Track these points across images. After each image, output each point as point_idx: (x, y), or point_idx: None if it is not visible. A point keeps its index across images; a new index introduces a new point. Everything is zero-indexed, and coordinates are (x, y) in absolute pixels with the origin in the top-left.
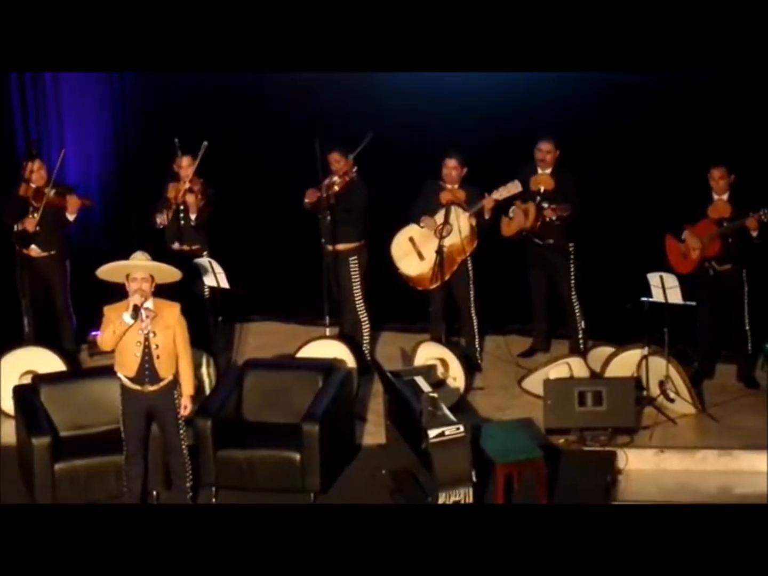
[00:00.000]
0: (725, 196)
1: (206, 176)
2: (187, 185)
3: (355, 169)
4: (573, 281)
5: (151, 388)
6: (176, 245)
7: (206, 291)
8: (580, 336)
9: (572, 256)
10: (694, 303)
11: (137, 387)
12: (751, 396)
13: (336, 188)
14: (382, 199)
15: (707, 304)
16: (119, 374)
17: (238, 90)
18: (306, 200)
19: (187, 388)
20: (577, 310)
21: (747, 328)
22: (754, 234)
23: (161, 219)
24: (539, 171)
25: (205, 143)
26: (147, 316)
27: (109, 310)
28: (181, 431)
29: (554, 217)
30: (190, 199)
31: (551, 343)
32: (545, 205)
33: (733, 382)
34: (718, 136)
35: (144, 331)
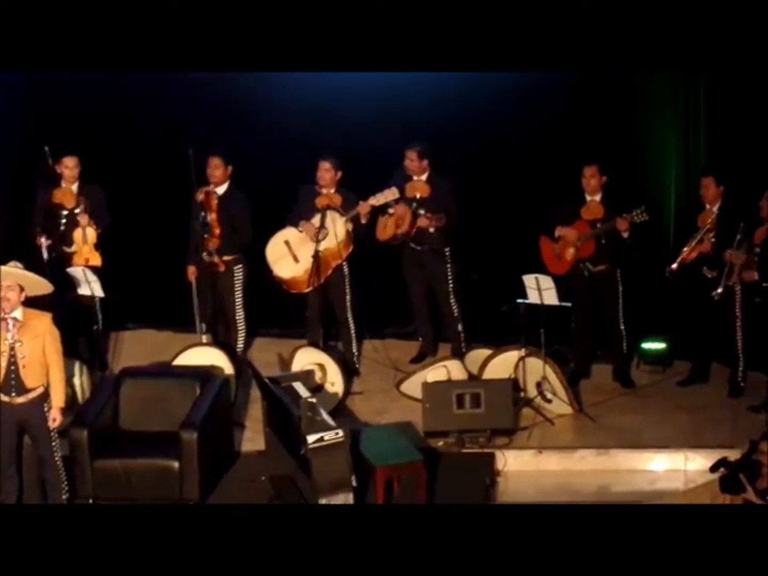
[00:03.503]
0: (598, 197)
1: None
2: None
3: (229, 180)
4: (451, 285)
5: (20, 400)
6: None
7: (97, 300)
8: (460, 339)
9: (449, 260)
10: (569, 304)
11: (5, 399)
12: (626, 395)
13: (215, 201)
14: (259, 204)
15: (582, 305)
16: None
17: (108, 91)
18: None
19: (57, 399)
20: (455, 314)
21: (622, 328)
22: (625, 235)
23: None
24: (415, 178)
25: (47, 148)
26: (14, 326)
27: None
28: (54, 443)
29: (431, 228)
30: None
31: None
32: (421, 212)
33: (609, 381)
34: (592, 138)
35: (10, 341)
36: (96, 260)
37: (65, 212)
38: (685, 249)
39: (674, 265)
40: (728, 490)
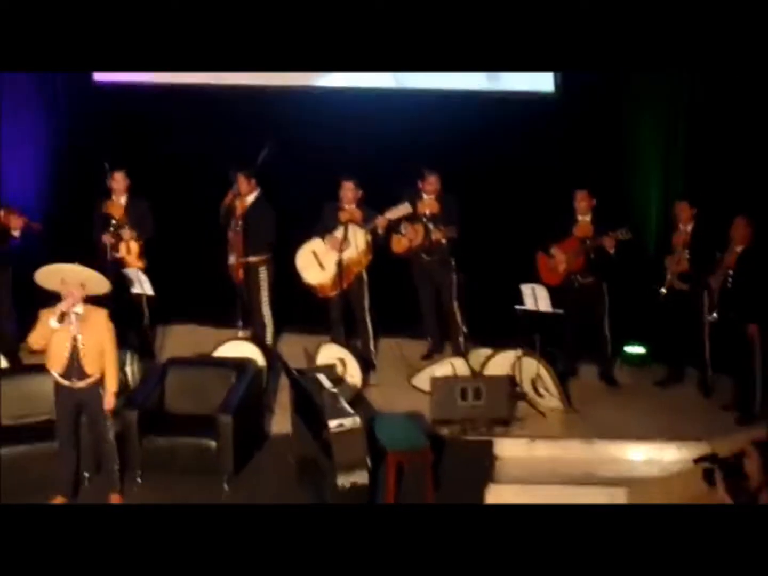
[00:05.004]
0: (588, 218)
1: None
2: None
3: (256, 192)
4: (455, 292)
5: (80, 385)
6: (121, 253)
7: (144, 298)
8: (461, 339)
9: (455, 270)
10: (561, 311)
11: (67, 382)
12: (610, 393)
13: (242, 209)
14: (288, 217)
15: (572, 312)
16: (51, 371)
17: (144, 103)
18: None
19: (110, 385)
20: (458, 317)
21: (607, 333)
22: (611, 251)
23: (107, 239)
24: (425, 197)
25: (107, 164)
26: (76, 319)
27: (43, 313)
28: (108, 422)
29: (443, 240)
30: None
31: (445, 345)
32: (431, 226)
33: (594, 381)
34: (583, 165)
35: (73, 332)
36: (141, 266)
37: (114, 221)
38: (669, 272)
39: (663, 290)
40: (707, 481)
